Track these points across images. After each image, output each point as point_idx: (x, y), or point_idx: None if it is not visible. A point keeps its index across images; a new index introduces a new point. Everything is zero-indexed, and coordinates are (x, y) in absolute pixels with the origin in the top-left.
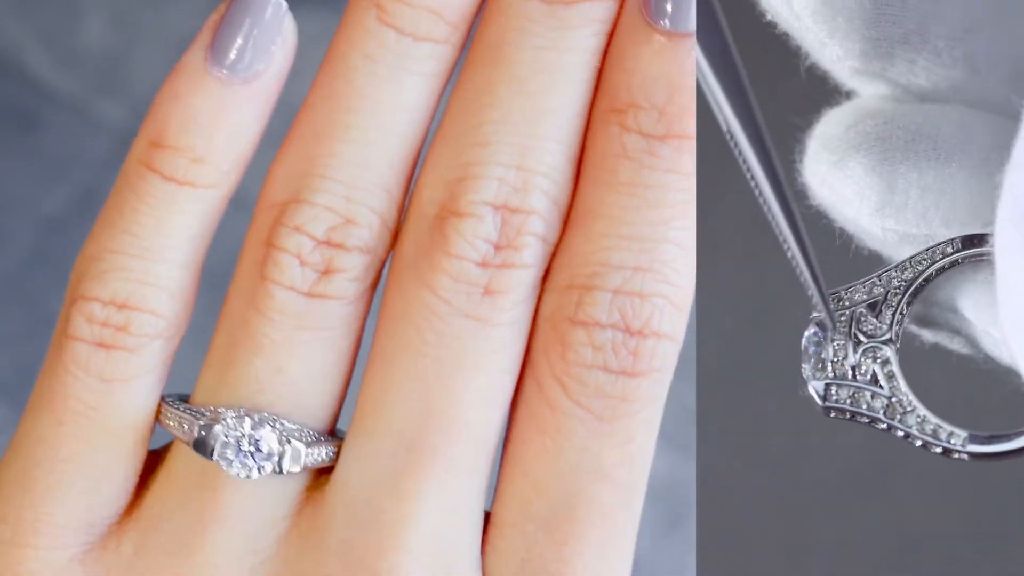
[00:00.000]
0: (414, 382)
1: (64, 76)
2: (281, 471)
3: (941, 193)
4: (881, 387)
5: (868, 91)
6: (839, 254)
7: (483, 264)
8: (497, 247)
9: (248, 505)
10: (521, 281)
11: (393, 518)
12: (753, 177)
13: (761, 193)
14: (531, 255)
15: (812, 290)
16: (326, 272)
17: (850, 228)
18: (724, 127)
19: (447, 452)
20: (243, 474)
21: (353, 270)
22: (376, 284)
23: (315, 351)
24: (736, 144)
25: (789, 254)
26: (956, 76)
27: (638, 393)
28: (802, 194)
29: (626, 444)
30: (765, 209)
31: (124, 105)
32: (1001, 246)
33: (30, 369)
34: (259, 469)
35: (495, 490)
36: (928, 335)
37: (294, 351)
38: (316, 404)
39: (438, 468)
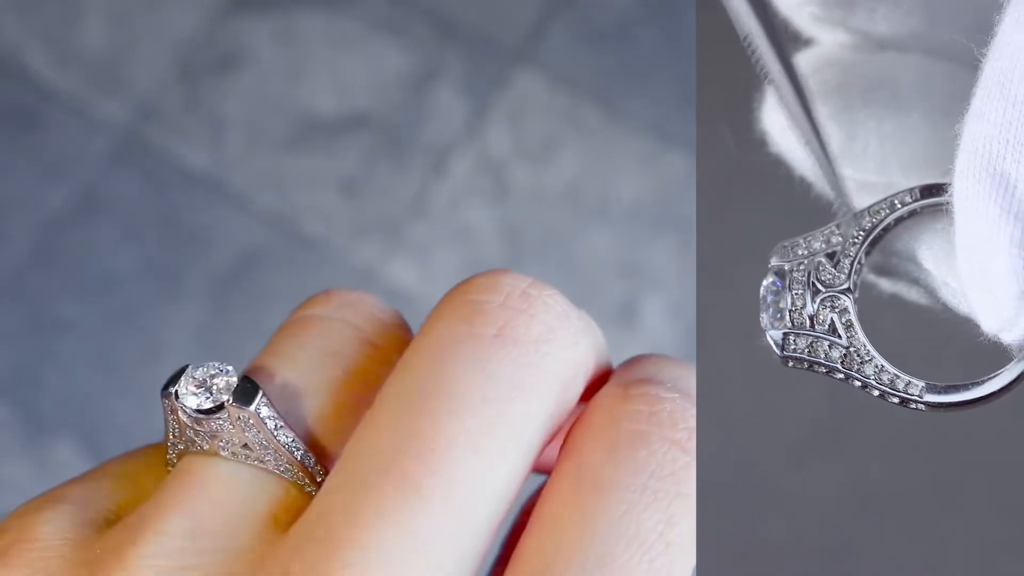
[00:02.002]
0: (402, 410)
1: (64, 76)
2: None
3: (900, 141)
4: (839, 336)
5: (828, 39)
6: (797, 204)
7: (503, 306)
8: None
9: (204, 503)
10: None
11: (339, 539)
12: (765, 66)
13: (774, 82)
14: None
15: (824, 171)
16: None
17: (809, 176)
18: (742, 33)
19: (420, 481)
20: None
21: None
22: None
23: None
24: (753, 46)
25: (804, 140)
26: (916, 25)
27: (688, 471)
28: (761, 142)
29: (668, 509)
30: (782, 103)
31: (124, 105)
32: (960, 196)
33: (30, 369)
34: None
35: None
36: (887, 284)
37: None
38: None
39: (406, 495)
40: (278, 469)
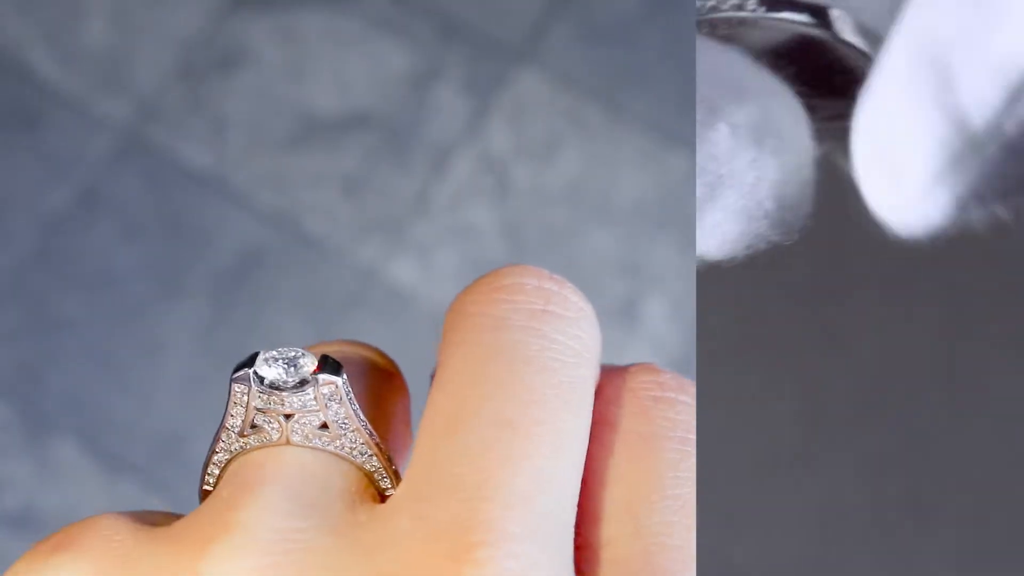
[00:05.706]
0: (481, 374)
1: (66, 74)
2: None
3: None
4: None
5: None
6: None
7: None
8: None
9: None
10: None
11: (468, 484)
12: None
13: None
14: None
15: None
16: None
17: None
18: None
19: (529, 429)
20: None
21: None
22: None
23: None
24: None
25: None
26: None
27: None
28: None
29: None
30: None
31: (126, 104)
32: (887, 74)
33: (30, 368)
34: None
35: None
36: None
37: None
38: None
39: (520, 442)
40: (353, 453)
